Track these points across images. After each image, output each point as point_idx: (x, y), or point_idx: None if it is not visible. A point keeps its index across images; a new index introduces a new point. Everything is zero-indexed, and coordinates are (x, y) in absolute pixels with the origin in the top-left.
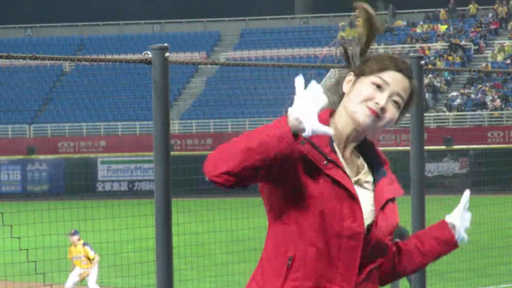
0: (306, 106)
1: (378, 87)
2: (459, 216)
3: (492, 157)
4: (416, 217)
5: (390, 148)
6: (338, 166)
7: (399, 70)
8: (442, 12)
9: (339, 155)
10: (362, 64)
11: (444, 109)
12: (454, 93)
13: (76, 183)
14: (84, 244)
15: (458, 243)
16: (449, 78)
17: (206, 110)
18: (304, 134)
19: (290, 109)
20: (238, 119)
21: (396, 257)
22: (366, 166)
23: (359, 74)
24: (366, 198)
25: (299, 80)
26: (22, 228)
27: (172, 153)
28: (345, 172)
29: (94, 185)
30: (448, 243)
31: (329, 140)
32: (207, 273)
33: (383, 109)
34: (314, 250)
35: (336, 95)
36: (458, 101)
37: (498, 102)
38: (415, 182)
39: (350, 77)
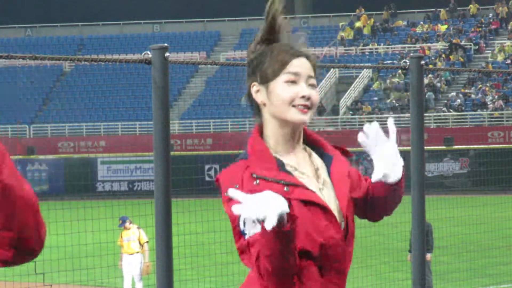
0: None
1: (293, 82)
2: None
3: (492, 157)
4: (416, 217)
5: None
6: (297, 185)
7: (297, 55)
8: (442, 12)
9: (294, 172)
10: (258, 70)
11: (444, 109)
12: (454, 93)
13: (76, 183)
14: (139, 228)
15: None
16: (449, 78)
17: (206, 110)
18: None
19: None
20: (238, 119)
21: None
22: (318, 158)
23: (264, 81)
24: (331, 196)
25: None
26: None
27: (172, 153)
28: (307, 188)
29: (94, 185)
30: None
31: (277, 165)
32: (207, 273)
33: (308, 98)
34: (307, 267)
35: (259, 114)
36: (458, 101)
37: (500, 102)
38: (415, 182)
39: (256, 87)
